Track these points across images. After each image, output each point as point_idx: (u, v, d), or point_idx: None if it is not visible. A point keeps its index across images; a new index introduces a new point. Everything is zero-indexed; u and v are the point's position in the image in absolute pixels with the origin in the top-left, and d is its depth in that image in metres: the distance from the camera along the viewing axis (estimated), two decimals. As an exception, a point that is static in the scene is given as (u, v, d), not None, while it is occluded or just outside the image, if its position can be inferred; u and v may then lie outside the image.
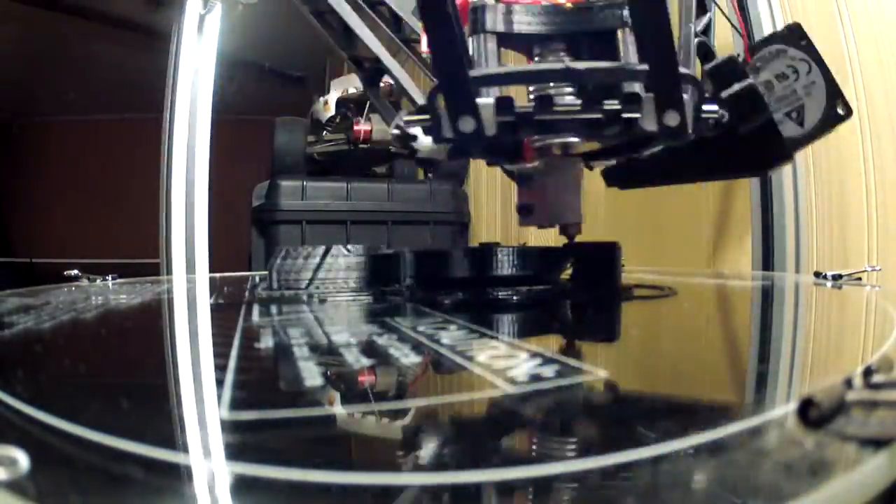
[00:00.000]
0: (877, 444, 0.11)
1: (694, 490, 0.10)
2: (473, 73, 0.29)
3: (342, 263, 0.39)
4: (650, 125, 0.28)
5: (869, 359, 0.18)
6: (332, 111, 1.43)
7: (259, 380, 0.19)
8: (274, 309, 0.33)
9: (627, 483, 0.10)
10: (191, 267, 0.85)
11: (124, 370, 0.21)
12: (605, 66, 0.30)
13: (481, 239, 1.47)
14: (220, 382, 0.17)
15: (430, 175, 1.55)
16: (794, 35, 0.35)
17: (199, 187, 0.87)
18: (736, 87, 0.33)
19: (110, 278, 0.52)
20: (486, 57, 0.31)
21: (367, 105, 1.38)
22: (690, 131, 0.29)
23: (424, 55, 0.36)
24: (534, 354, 0.19)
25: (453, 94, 0.28)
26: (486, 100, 0.29)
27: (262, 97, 2.33)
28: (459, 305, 0.34)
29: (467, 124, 0.28)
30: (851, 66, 0.73)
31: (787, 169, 0.77)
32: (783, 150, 0.35)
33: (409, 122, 0.31)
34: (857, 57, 0.73)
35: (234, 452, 0.12)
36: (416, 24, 0.40)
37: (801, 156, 0.77)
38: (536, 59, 0.33)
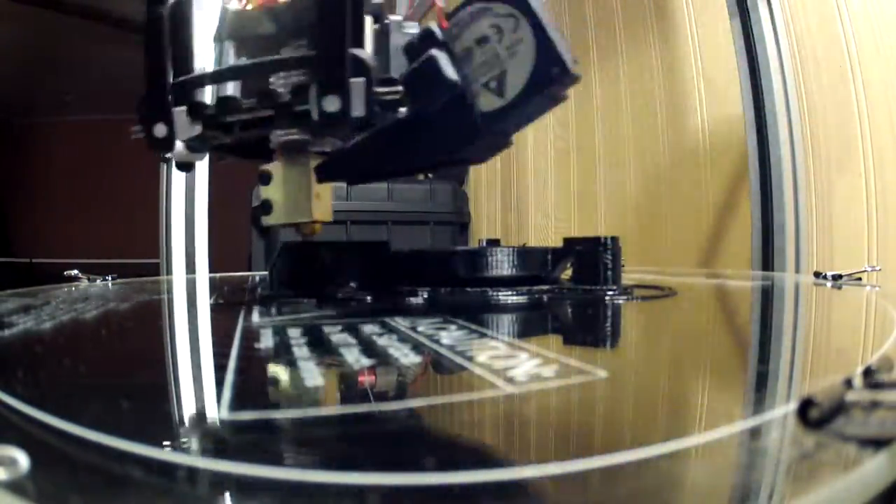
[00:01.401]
0: (877, 444, 0.11)
1: (694, 490, 0.10)
2: (172, 80, 0.31)
3: (342, 263, 0.39)
4: (314, 112, 0.28)
5: (869, 359, 0.18)
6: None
7: (259, 380, 0.19)
8: (274, 309, 0.33)
9: (627, 483, 0.10)
10: (191, 267, 0.85)
11: (124, 370, 0.21)
12: (268, 59, 0.31)
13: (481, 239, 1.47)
14: (219, 382, 0.17)
15: (429, 175, 1.55)
16: None
17: (199, 187, 0.87)
18: (415, 63, 0.29)
19: (110, 278, 0.52)
20: (226, 61, 0.33)
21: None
22: (358, 115, 0.28)
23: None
24: (533, 354, 0.19)
25: (150, 103, 0.31)
26: (179, 108, 0.31)
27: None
28: (459, 305, 0.34)
29: (160, 130, 0.31)
30: (851, 65, 0.73)
31: (787, 169, 0.77)
32: (477, 129, 0.28)
33: (133, 133, 0.33)
34: (857, 56, 0.73)
35: (234, 452, 0.12)
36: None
37: (801, 156, 0.77)
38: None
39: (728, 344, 0.27)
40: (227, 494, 0.10)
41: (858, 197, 0.73)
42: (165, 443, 0.12)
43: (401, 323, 0.25)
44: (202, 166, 0.86)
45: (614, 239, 0.38)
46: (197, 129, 0.31)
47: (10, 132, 3.12)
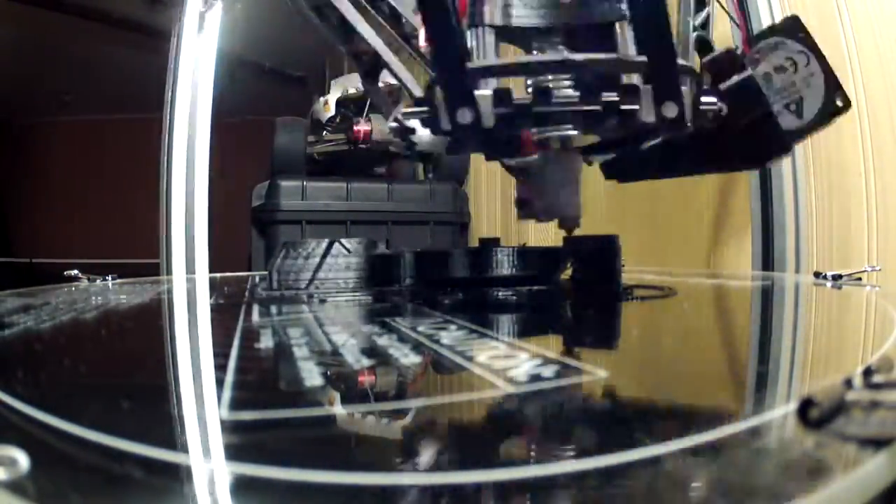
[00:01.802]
0: (877, 444, 0.11)
1: (694, 491, 0.10)
2: (471, 64, 0.29)
3: (342, 263, 0.39)
4: (649, 116, 0.28)
5: (869, 359, 0.18)
6: (332, 111, 1.44)
7: (259, 380, 0.19)
8: (274, 309, 0.33)
9: (627, 483, 0.10)
10: (191, 267, 0.85)
11: (124, 370, 0.21)
12: (603, 57, 0.30)
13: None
14: (220, 382, 0.17)
15: (429, 175, 1.55)
16: (793, 27, 0.35)
17: (199, 187, 0.87)
18: (735, 78, 0.33)
19: (110, 278, 0.52)
20: (483, 50, 0.31)
21: (367, 105, 1.38)
22: (689, 123, 0.29)
23: (423, 49, 0.35)
24: (534, 354, 0.19)
25: (451, 86, 0.29)
26: (484, 91, 0.29)
27: (262, 97, 2.33)
28: (459, 305, 0.34)
29: (465, 116, 0.28)
30: (851, 65, 0.73)
31: (787, 168, 0.77)
32: (782, 143, 0.35)
33: (406, 115, 0.31)
34: (856, 56, 0.73)
35: (234, 452, 0.12)
36: (415, 20, 0.40)
37: (801, 156, 0.77)
38: (535, 52, 0.33)
39: (728, 344, 0.27)
40: (227, 494, 0.10)
41: (858, 197, 0.73)
42: (165, 443, 0.12)
43: (401, 323, 0.25)
44: (203, 166, 0.86)
45: (614, 238, 0.38)
46: (490, 118, 0.29)
47: (10, 132, 3.12)
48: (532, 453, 0.13)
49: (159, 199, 0.89)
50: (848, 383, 0.13)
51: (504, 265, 0.38)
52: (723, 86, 0.33)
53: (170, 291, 0.50)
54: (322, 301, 0.35)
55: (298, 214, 1.22)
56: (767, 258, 0.77)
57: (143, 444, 0.11)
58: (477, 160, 1.61)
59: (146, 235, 1.02)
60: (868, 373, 0.13)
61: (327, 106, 1.44)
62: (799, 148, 0.77)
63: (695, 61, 0.34)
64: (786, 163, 0.76)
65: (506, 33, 0.32)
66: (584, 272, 0.38)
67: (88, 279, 0.51)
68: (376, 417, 0.14)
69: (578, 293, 0.37)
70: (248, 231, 1.29)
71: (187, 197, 0.86)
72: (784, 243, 0.76)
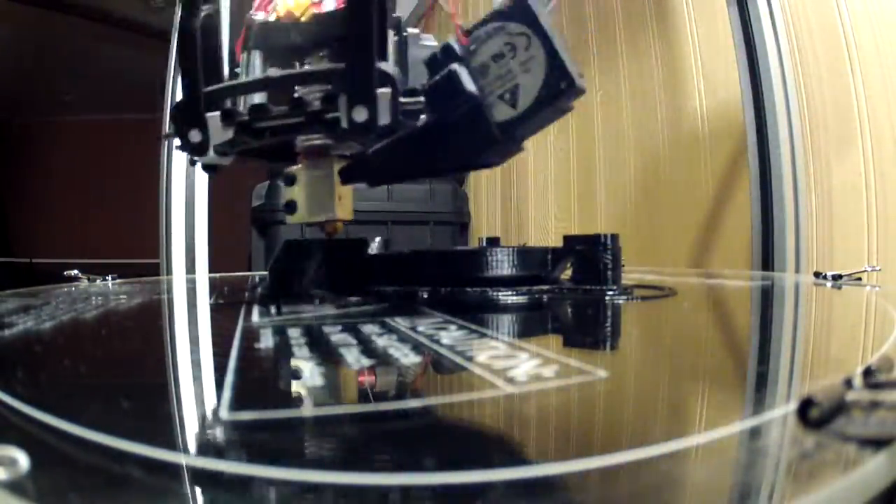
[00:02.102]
0: (877, 444, 0.11)
1: (694, 490, 0.10)
2: (206, 89, 0.33)
3: (342, 263, 0.39)
4: (343, 122, 0.31)
5: (869, 359, 0.18)
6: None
7: (259, 380, 0.19)
8: (274, 309, 0.33)
9: (628, 483, 0.10)
10: (191, 267, 0.85)
11: (124, 370, 0.21)
12: (300, 71, 0.34)
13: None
14: (219, 382, 0.17)
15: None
16: (516, 7, 0.31)
17: (198, 188, 0.87)
18: (437, 76, 0.31)
19: (110, 278, 0.52)
20: (253, 69, 0.35)
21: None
22: (384, 124, 0.30)
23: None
24: (533, 354, 0.19)
25: (184, 108, 0.33)
26: (212, 113, 0.33)
27: (262, 97, 2.33)
28: (459, 305, 0.34)
29: (195, 136, 0.33)
30: (851, 66, 0.73)
31: (786, 169, 0.77)
32: (490, 136, 0.31)
33: (166, 136, 0.36)
34: (857, 56, 0.73)
35: (234, 452, 0.12)
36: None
37: (801, 156, 0.77)
38: (307, 66, 0.35)
39: (728, 344, 0.27)
40: (226, 494, 0.10)
41: (858, 197, 0.73)
42: (165, 443, 0.12)
43: (401, 323, 0.25)
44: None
45: (614, 237, 0.38)
46: (229, 134, 0.33)
47: (10, 132, 3.12)
48: (532, 453, 0.13)
49: (159, 199, 0.89)
50: (848, 383, 0.13)
51: (504, 265, 0.38)
52: (423, 84, 0.32)
53: (170, 291, 0.50)
54: (322, 301, 0.35)
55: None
56: (767, 258, 0.77)
57: (143, 444, 0.11)
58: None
59: (146, 235, 1.02)
60: (868, 373, 0.13)
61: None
62: (799, 148, 0.77)
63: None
64: (786, 163, 0.77)
65: (273, 53, 0.35)
66: (584, 271, 0.38)
67: (88, 279, 0.51)
68: (376, 417, 0.14)
69: (578, 293, 0.37)
70: (248, 231, 1.29)
71: (187, 197, 0.86)
72: (784, 243, 0.76)
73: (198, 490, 0.10)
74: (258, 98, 0.36)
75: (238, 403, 0.15)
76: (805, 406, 0.12)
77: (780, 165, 0.76)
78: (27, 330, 0.26)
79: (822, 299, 0.37)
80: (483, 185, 1.59)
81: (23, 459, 0.10)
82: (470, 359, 0.19)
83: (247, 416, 0.14)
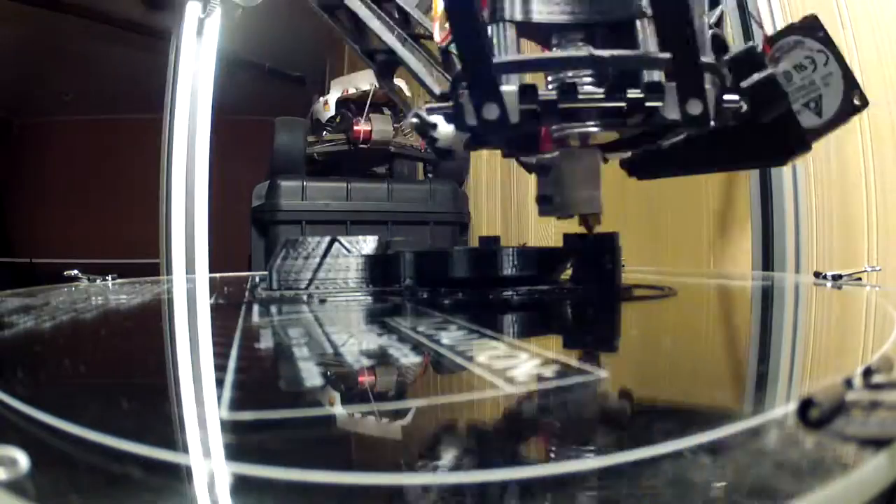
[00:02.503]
0: (877, 444, 0.11)
1: (694, 490, 0.10)
2: (497, 59, 0.29)
3: (342, 264, 0.39)
4: (673, 113, 0.29)
5: (869, 359, 0.18)
6: (332, 111, 1.43)
7: (259, 380, 0.19)
8: (274, 309, 0.33)
9: (627, 483, 0.10)
10: (191, 267, 0.85)
11: (124, 370, 0.21)
12: (628, 54, 0.30)
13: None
14: (220, 382, 0.17)
15: (429, 175, 1.55)
16: (811, 27, 0.35)
17: (199, 187, 0.87)
18: (756, 76, 0.33)
19: (110, 278, 0.52)
20: (505, 45, 0.31)
21: (367, 105, 1.38)
22: (712, 120, 0.29)
23: (438, 46, 0.35)
24: (534, 354, 0.19)
25: (477, 81, 0.28)
26: (509, 87, 0.28)
27: (262, 97, 2.33)
28: (459, 305, 0.34)
29: (491, 112, 0.28)
30: (851, 65, 0.73)
31: (786, 169, 0.77)
32: (802, 140, 0.35)
33: (431, 110, 0.31)
34: (857, 57, 0.73)
35: (234, 452, 0.12)
36: (424, 20, 0.40)
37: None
38: (554, 48, 0.33)
39: (728, 344, 0.27)
40: (227, 494, 0.10)
41: (858, 197, 0.73)
42: (165, 443, 0.12)
43: (401, 323, 0.25)
44: (203, 167, 0.86)
45: (614, 235, 0.38)
46: (516, 115, 0.29)
47: (10, 132, 3.12)
48: (532, 453, 0.13)
49: (159, 199, 0.89)
50: (848, 383, 0.13)
51: (504, 265, 0.38)
52: (744, 83, 0.33)
53: (170, 291, 0.50)
54: (322, 301, 0.35)
55: (298, 214, 1.22)
56: (767, 258, 0.77)
57: (143, 444, 0.11)
58: (477, 160, 1.61)
59: (146, 235, 1.02)
60: (868, 373, 0.13)
61: (327, 106, 1.44)
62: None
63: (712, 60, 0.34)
64: (786, 163, 0.77)
65: (525, 29, 0.32)
66: (585, 271, 0.38)
67: (88, 279, 0.51)
68: (376, 417, 0.14)
69: (578, 293, 0.37)
70: (249, 231, 1.29)
71: (187, 197, 0.86)
72: (784, 243, 0.76)
73: (198, 490, 0.10)
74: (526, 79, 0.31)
75: (238, 403, 0.15)
76: (805, 406, 0.12)
77: (779, 166, 0.76)
78: (27, 330, 0.26)
79: (822, 299, 0.37)
80: (483, 185, 1.59)
81: (23, 459, 0.10)
82: (470, 359, 0.19)
83: (246, 416, 0.14)
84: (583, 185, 0.34)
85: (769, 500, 0.09)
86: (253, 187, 1.31)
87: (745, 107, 0.31)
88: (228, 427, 0.13)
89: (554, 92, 0.29)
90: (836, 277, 0.43)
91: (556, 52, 0.32)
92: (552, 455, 0.13)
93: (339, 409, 0.16)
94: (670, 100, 0.29)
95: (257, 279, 0.57)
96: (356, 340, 0.22)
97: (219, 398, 0.15)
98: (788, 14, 0.79)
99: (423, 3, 0.38)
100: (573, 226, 0.38)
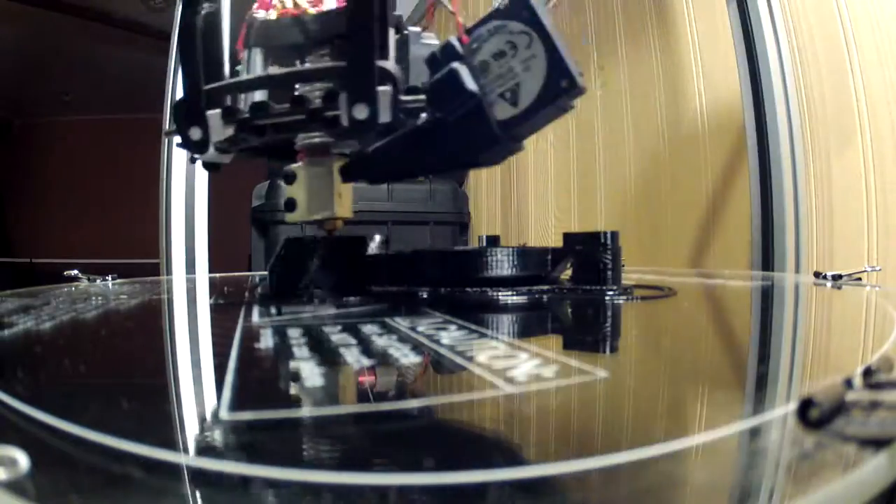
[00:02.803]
0: (877, 444, 0.11)
1: (694, 491, 0.10)
2: (206, 87, 0.33)
3: (342, 263, 0.39)
4: (344, 120, 0.31)
5: (869, 359, 0.18)
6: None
7: (259, 380, 0.19)
8: (274, 309, 0.33)
9: (628, 483, 0.10)
10: (191, 267, 0.85)
11: (124, 370, 0.21)
12: (300, 69, 0.34)
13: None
14: (219, 382, 0.17)
15: (429, 175, 1.55)
16: (517, 6, 0.31)
17: (199, 187, 0.87)
18: (438, 74, 0.31)
19: (110, 278, 0.52)
20: (254, 67, 0.35)
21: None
22: (385, 121, 0.30)
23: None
24: (533, 354, 0.19)
25: (184, 106, 0.33)
26: (213, 111, 0.33)
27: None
28: (459, 306, 0.34)
29: (195, 133, 0.33)
30: (852, 66, 0.73)
31: (787, 169, 0.77)
32: (491, 135, 0.31)
33: (168, 134, 0.36)
34: (857, 57, 0.73)
35: (234, 452, 0.12)
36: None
37: (801, 155, 0.77)
38: (306, 63, 0.35)
39: (728, 344, 0.27)
40: (226, 494, 0.10)
41: (858, 196, 0.73)
42: (165, 443, 0.12)
43: (400, 323, 0.25)
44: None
45: (614, 234, 0.38)
46: (229, 131, 0.33)
47: (10, 132, 3.12)
48: (532, 454, 0.13)
49: (159, 199, 0.89)
50: (848, 383, 0.13)
51: (504, 265, 0.38)
52: (424, 83, 0.32)
53: (170, 291, 0.50)
54: (322, 301, 0.35)
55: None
56: (767, 258, 0.77)
57: (143, 444, 0.11)
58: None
59: (146, 235, 1.02)
60: (868, 373, 0.13)
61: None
62: (799, 148, 0.77)
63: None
64: (786, 162, 0.77)
65: (273, 51, 0.35)
66: (584, 271, 0.38)
67: (88, 279, 0.51)
68: (376, 418, 0.14)
69: (578, 293, 0.37)
70: (249, 231, 1.29)
71: (187, 197, 0.86)
72: (784, 243, 0.76)
73: (197, 490, 0.10)
74: (259, 96, 0.36)
75: (238, 403, 0.15)
76: (805, 406, 0.12)
77: (779, 165, 0.76)
78: (27, 330, 0.26)
79: (822, 299, 0.37)
80: (483, 185, 1.59)
81: (23, 459, 0.10)
82: (470, 359, 0.19)
83: (246, 416, 0.14)
84: (318, 190, 0.37)
85: (769, 501, 0.09)
86: (253, 187, 1.31)
87: (421, 105, 0.31)
88: (228, 427, 0.13)
89: (247, 111, 0.33)
90: (836, 277, 0.43)
91: (242, 77, 0.35)
92: (552, 455, 0.13)
93: (338, 409, 0.16)
94: (343, 106, 0.31)
95: (257, 279, 0.57)
96: (356, 340, 0.22)
97: (219, 398, 0.15)
98: (788, 15, 0.79)
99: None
100: (572, 226, 0.38)
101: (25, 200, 3.10)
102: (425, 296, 0.36)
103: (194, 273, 0.85)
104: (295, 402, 0.16)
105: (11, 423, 0.13)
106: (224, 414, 0.14)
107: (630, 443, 0.12)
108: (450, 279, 0.37)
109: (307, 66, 0.34)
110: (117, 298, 0.39)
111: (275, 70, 0.34)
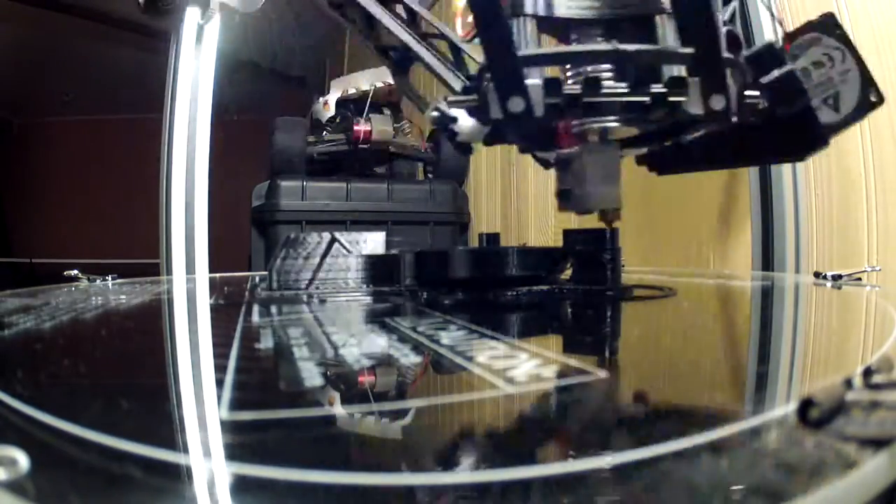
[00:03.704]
0: (877, 444, 0.11)
1: (694, 491, 0.10)
2: (522, 52, 0.29)
3: (342, 264, 0.39)
4: (696, 109, 0.29)
5: (869, 359, 0.18)
6: (332, 111, 1.43)
7: (259, 380, 0.19)
8: (274, 309, 0.33)
9: (627, 483, 0.10)
10: (191, 267, 0.85)
11: (124, 370, 0.21)
12: (651, 48, 0.30)
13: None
14: (219, 382, 0.17)
15: (429, 175, 1.55)
16: (829, 24, 0.36)
17: (199, 187, 0.87)
18: (776, 73, 0.33)
19: (110, 278, 0.52)
20: (525, 40, 0.31)
21: (367, 105, 1.38)
22: (734, 115, 0.30)
23: (462, 39, 0.36)
24: (533, 355, 0.19)
25: (503, 75, 0.28)
26: (535, 81, 0.28)
27: (262, 97, 2.33)
28: (459, 306, 0.34)
29: (517, 104, 0.28)
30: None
31: (786, 168, 0.77)
32: (820, 136, 0.35)
33: (453, 103, 0.31)
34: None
35: (234, 452, 0.12)
36: (432, 19, 0.40)
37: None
38: (574, 43, 0.33)
39: (728, 344, 0.27)
40: (227, 494, 0.10)
41: (858, 197, 0.73)
42: (165, 443, 0.12)
43: (401, 323, 0.25)
44: (203, 165, 0.86)
45: (614, 232, 0.38)
46: (541, 108, 0.29)
47: (10, 132, 3.12)
48: (532, 454, 0.13)
49: (159, 199, 0.89)
50: (848, 383, 0.13)
51: (504, 265, 0.38)
52: (765, 79, 0.33)
53: (170, 291, 0.50)
54: (322, 301, 0.35)
55: (298, 214, 1.22)
56: (767, 258, 0.77)
57: (143, 444, 0.11)
58: (477, 160, 1.61)
59: (146, 235, 1.02)
60: (868, 373, 0.13)
61: (327, 106, 1.44)
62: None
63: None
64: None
65: (545, 25, 0.32)
66: (585, 271, 0.38)
67: (88, 279, 0.51)
68: (376, 418, 0.14)
69: (578, 293, 0.37)
70: (248, 231, 1.29)
71: (187, 197, 0.86)
72: (784, 243, 0.76)
73: (198, 490, 0.10)
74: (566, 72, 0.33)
75: (238, 403, 0.15)
76: (805, 406, 0.12)
77: (779, 165, 0.76)
78: (27, 330, 0.26)
79: (822, 299, 0.37)
80: (483, 185, 1.59)
81: (23, 459, 0.10)
82: (470, 359, 0.19)
83: (246, 416, 0.14)
84: (602, 180, 0.34)
85: (770, 501, 0.09)
86: (253, 187, 1.31)
87: (765, 102, 0.31)
88: (228, 427, 0.13)
89: (577, 86, 0.29)
90: (836, 277, 0.43)
91: (580, 46, 0.32)
92: (551, 455, 0.13)
93: (338, 410, 0.16)
94: (694, 95, 0.29)
95: (257, 279, 0.57)
96: (356, 340, 0.22)
97: (219, 398, 0.15)
98: (788, 13, 0.79)
99: (425, 1, 0.38)
100: (572, 226, 0.38)
101: (25, 200, 3.09)
102: (425, 296, 0.36)
103: (194, 273, 0.85)
104: (294, 403, 0.16)
105: (11, 423, 0.13)
106: (224, 414, 0.14)
107: (630, 443, 0.12)
108: (450, 279, 0.37)
109: (650, 46, 0.31)
110: (117, 298, 0.39)
111: (605, 45, 0.30)
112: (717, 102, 0.29)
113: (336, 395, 0.17)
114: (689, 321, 0.32)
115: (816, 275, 0.45)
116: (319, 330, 0.25)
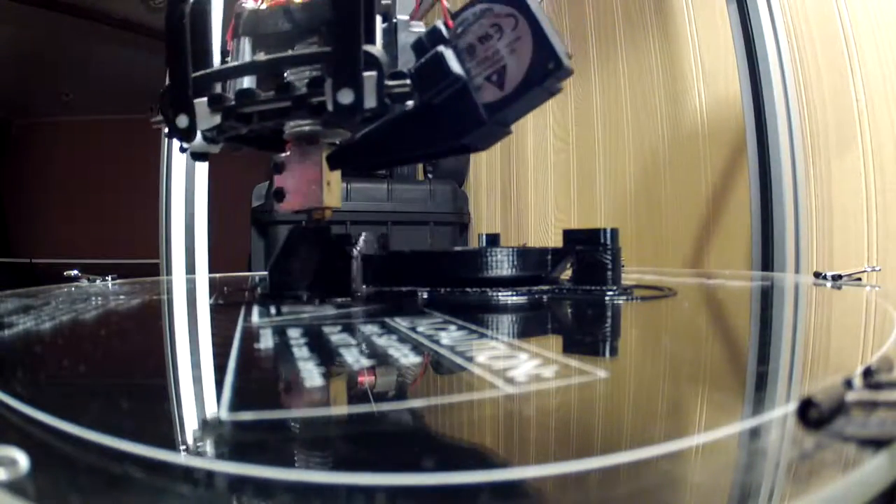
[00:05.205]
0: (877, 444, 0.11)
1: (694, 491, 0.10)
2: (193, 74, 0.33)
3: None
4: (329, 104, 0.30)
5: (869, 359, 0.18)
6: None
7: (259, 380, 0.19)
8: (273, 309, 0.33)
9: (627, 484, 0.10)
10: (191, 267, 0.85)
11: (124, 370, 0.21)
12: (285, 55, 0.33)
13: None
14: (219, 383, 0.17)
15: (429, 175, 1.55)
16: None
17: (199, 187, 0.87)
18: (424, 58, 0.31)
19: (110, 278, 0.52)
20: (242, 56, 0.35)
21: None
22: (370, 106, 0.30)
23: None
24: (533, 355, 0.19)
25: (173, 96, 0.33)
26: (200, 99, 0.33)
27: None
28: (459, 306, 0.34)
29: (182, 121, 0.33)
30: (851, 66, 0.73)
31: (787, 169, 0.77)
32: (476, 118, 0.31)
33: (154, 123, 0.36)
34: (856, 56, 0.73)
35: (234, 452, 0.12)
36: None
37: (800, 156, 0.77)
38: (292, 51, 0.35)
39: (728, 344, 0.27)
40: (226, 494, 0.10)
41: (858, 197, 0.73)
42: (165, 443, 0.12)
43: (400, 323, 0.25)
44: (203, 165, 0.86)
45: (614, 232, 0.38)
46: (216, 119, 0.33)
47: (10, 132, 3.12)
48: (532, 454, 0.13)
49: (159, 199, 0.89)
50: (848, 383, 0.13)
51: (504, 266, 0.38)
52: (410, 67, 0.31)
53: (170, 291, 0.50)
54: (322, 301, 0.35)
55: (298, 214, 1.22)
56: (767, 258, 0.77)
57: (143, 444, 0.11)
58: (477, 160, 1.61)
59: (146, 235, 1.02)
60: (868, 373, 0.13)
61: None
62: (799, 148, 0.77)
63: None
64: (785, 163, 0.77)
65: (262, 41, 0.35)
66: (585, 271, 0.38)
67: (88, 279, 0.51)
68: (376, 418, 0.14)
69: (578, 293, 0.37)
70: (248, 231, 1.29)
71: (187, 197, 0.86)
72: (784, 243, 0.76)
73: (198, 490, 0.10)
74: (247, 84, 0.35)
75: (237, 404, 0.15)
76: (805, 406, 0.12)
77: (779, 165, 0.76)
78: (27, 330, 0.26)
79: (822, 299, 0.37)
80: (483, 185, 1.59)
81: (23, 459, 0.10)
82: (470, 359, 0.19)
83: (246, 416, 0.14)
84: (307, 180, 0.37)
85: (769, 501, 0.09)
86: (253, 187, 1.31)
87: (408, 89, 0.30)
88: (228, 427, 0.13)
89: (233, 99, 0.32)
90: (836, 277, 0.43)
91: (230, 63, 0.35)
92: (552, 455, 0.13)
93: (338, 410, 0.16)
94: (329, 92, 0.30)
95: (257, 279, 0.57)
96: (355, 340, 0.22)
97: (218, 398, 0.15)
98: (788, 15, 0.79)
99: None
100: (572, 226, 0.38)
101: (25, 200, 3.09)
102: (425, 296, 0.36)
103: (194, 273, 0.85)
104: (294, 403, 0.16)
105: (11, 423, 0.13)
106: (224, 414, 0.14)
107: (630, 443, 0.12)
108: (450, 279, 0.37)
109: (291, 52, 0.34)
110: (117, 299, 0.39)
111: (260, 57, 0.34)
112: (345, 96, 0.30)
113: (335, 396, 0.17)
114: (689, 321, 0.32)
115: (816, 275, 0.45)
116: (318, 330, 0.25)
